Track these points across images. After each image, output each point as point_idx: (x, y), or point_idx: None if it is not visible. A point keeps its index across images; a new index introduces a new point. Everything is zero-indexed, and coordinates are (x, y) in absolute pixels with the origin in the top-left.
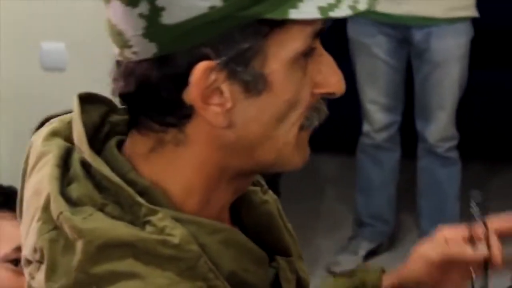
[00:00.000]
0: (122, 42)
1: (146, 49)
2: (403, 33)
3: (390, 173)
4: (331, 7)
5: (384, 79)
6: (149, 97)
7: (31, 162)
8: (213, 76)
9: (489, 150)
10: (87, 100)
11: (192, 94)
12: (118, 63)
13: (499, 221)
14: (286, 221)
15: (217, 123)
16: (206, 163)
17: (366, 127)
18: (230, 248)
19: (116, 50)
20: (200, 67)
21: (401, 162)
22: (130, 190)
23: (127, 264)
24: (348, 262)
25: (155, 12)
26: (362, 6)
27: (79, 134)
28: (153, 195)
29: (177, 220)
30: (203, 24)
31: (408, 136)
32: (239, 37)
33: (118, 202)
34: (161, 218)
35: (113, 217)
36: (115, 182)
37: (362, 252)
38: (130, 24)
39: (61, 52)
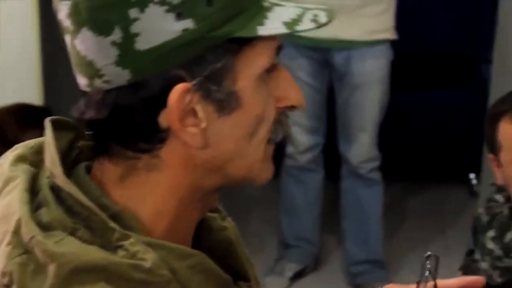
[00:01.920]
0: (93, 72)
1: (119, 77)
2: (324, 55)
3: (314, 194)
4: (295, 21)
5: (307, 101)
6: (122, 123)
7: None
8: (188, 98)
9: (408, 170)
10: (56, 125)
11: (169, 116)
12: (85, 93)
13: (446, 283)
14: (243, 247)
15: (195, 144)
16: (179, 186)
17: (290, 149)
18: (199, 273)
19: (83, 81)
20: (177, 89)
21: (325, 184)
22: (102, 214)
23: None
24: (275, 284)
25: (128, 39)
26: (323, 19)
27: (52, 159)
28: (125, 220)
29: (148, 245)
30: (176, 47)
31: (331, 157)
32: (211, 57)
33: (89, 227)
34: (133, 243)
35: (84, 241)
36: (88, 206)
37: (289, 273)
38: (102, 53)
39: None
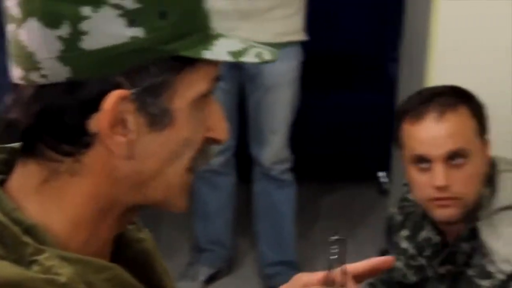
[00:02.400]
0: (31, 64)
1: (58, 73)
2: None
3: (227, 197)
4: (240, 53)
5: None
6: (51, 123)
7: None
8: (123, 106)
9: (317, 171)
10: None
11: (100, 122)
12: (15, 87)
13: (355, 266)
14: (161, 258)
15: (119, 153)
16: (98, 196)
17: None
18: (115, 287)
19: (18, 72)
20: (115, 95)
21: (237, 186)
22: (15, 229)
23: None
24: None
25: (76, 35)
26: (267, 56)
27: None
28: (39, 234)
29: (63, 259)
30: (122, 53)
31: (242, 160)
32: (154, 70)
33: (1, 242)
34: (48, 258)
35: None
36: (0, 221)
37: (202, 277)
38: (46, 46)
39: None
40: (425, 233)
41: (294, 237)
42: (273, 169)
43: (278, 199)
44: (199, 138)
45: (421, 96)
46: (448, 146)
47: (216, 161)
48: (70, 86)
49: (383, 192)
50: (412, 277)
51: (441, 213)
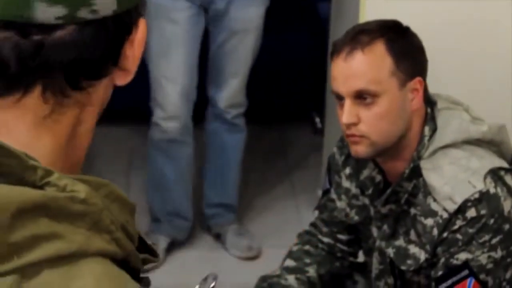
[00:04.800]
0: (82, 0)
1: (107, 7)
2: (205, 1)
3: (185, 168)
4: None
5: (183, 51)
6: (86, 58)
7: None
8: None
9: (252, 112)
10: None
11: (136, 49)
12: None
13: None
14: None
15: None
16: (82, 123)
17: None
18: (114, 202)
19: (61, 11)
20: (143, 22)
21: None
22: (22, 154)
23: (44, 226)
24: None
25: None
26: None
27: None
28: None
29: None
30: None
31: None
32: None
33: (9, 170)
34: (59, 178)
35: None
36: (7, 149)
37: (163, 246)
38: None
39: None
40: (367, 172)
41: (237, 182)
42: (228, 113)
43: (227, 143)
44: None
45: (348, 32)
46: (354, 85)
47: (172, 128)
48: (115, 19)
49: (317, 132)
50: (354, 217)
51: (352, 149)
